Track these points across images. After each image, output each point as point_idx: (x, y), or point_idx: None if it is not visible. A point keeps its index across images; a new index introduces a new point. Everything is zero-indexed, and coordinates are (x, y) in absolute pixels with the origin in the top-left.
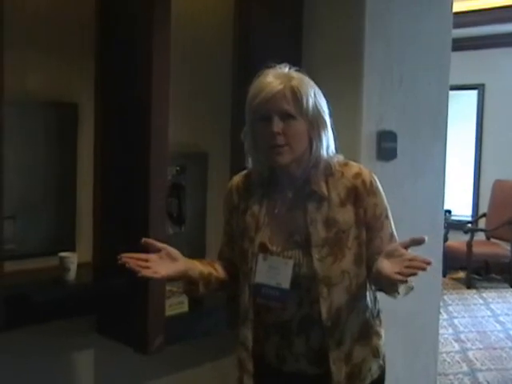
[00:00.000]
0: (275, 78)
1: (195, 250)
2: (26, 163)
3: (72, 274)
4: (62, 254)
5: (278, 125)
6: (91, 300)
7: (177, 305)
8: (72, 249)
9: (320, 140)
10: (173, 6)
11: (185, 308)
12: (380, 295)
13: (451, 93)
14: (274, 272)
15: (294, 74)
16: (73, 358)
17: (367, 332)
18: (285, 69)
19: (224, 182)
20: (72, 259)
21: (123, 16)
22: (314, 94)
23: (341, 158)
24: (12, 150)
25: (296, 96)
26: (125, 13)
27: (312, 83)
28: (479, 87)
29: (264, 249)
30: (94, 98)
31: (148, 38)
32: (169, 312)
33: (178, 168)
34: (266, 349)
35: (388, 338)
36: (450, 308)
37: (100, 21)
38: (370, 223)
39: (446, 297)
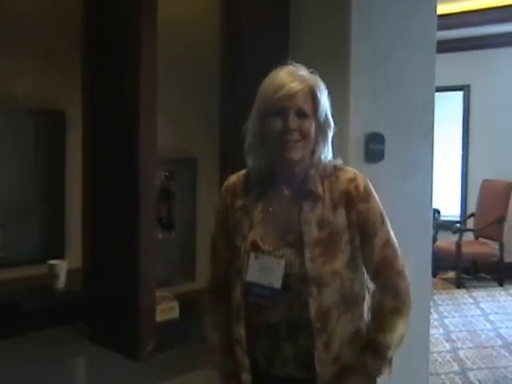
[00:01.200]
0: (292, 77)
1: (185, 255)
2: (14, 171)
3: (61, 282)
4: (51, 261)
5: (294, 121)
6: (81, 307)
7: (168, 310)
8: (61, 256)
9: (324, 143)
10: (161, 12)
11: (176, 313)
12: None
13: (437, 94)
14: (266, 271)
15: (309, 75)
16: (64, 366)
17: (359, 339)
18: (300, 69)
19: (214, 187)
20: (61, 266)
21: (110, 23)
22: (326, 98)
23: (339, 162)
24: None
25: (314, 97)
26: (112, 19)
27: (324, 86)
28: (465, 88)
29: (256, 247)
30: (82, 105)
31: (135, 44)
32: (160, 318)
33: (167, 173)
34: (256, 352)
35: None
36: (441, 308)
37: (87, 29)
38: (362, 229)
39: (436, 297)
